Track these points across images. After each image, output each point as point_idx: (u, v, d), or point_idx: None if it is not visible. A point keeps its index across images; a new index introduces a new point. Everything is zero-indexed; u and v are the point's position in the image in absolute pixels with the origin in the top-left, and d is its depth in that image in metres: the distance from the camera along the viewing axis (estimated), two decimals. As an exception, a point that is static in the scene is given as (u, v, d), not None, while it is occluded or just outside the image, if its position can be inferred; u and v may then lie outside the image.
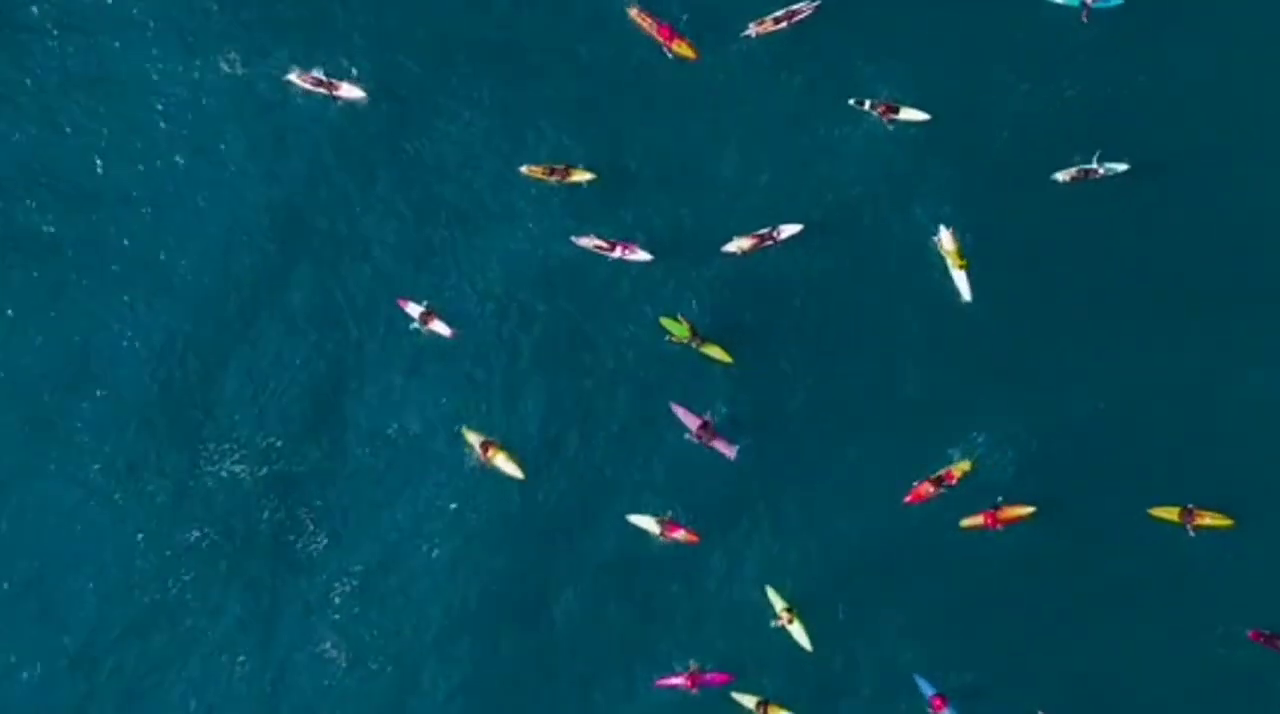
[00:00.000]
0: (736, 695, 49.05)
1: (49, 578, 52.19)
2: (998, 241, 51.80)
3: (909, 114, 52.02)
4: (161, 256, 53.13)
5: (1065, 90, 52.83)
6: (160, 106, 53.64)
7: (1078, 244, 52.10)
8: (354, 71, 52.57)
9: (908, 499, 49.21)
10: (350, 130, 53.03)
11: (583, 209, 52.14)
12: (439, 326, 50.86)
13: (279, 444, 52.83)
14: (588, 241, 50.70)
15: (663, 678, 49.25)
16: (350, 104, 52.23)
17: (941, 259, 51.21)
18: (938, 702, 48.61)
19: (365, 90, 52.10)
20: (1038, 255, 52.00)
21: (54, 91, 53.80)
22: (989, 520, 49.48)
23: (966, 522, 49.68)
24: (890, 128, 52.35)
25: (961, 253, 50.59)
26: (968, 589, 50.36)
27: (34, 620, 51.61)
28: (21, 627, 51.54)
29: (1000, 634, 50.08)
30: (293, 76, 52.29)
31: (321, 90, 51.79)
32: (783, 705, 48.61)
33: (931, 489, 49.00)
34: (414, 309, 51.08)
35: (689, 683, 48.63)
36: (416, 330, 51.53)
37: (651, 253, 51.01)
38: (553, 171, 51.05)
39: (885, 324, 51.81)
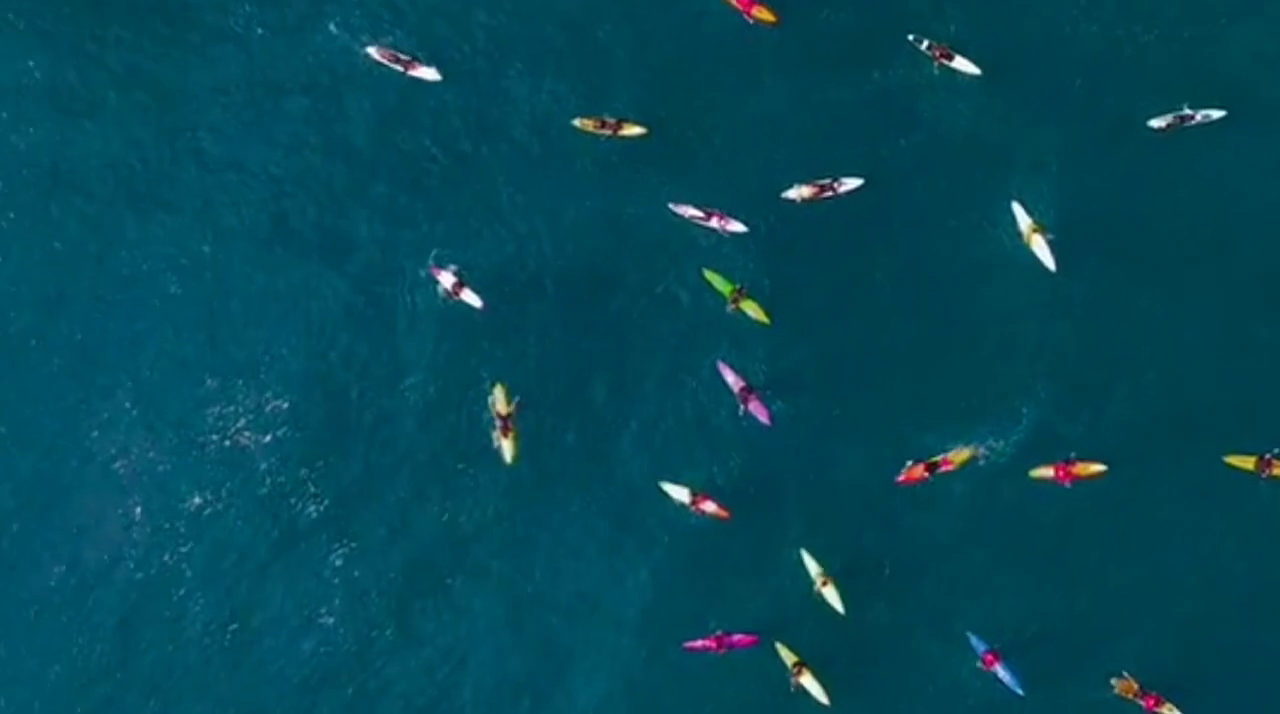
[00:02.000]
0: (779, 646, 46.34)
1: (45, 550, 49.35)
2: (1074, 193, 49.62)
3: (962, 64, 50.30)
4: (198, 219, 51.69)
5: (1140, 35, 50.95)
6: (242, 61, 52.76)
7: (1162, 194, 49.74)
8: (423, 53, 51.98)
9: (900, 479, 46.56)
10: (419, 101, 51.91)
11: (636, 161, 50.55)
12: (469, 296, 48.96)
13: (285, 406, 49.83)
14: (685, 210, 49.11)
15: (690, 640, 46.63)
16: (423, 81, 51.58)
17: (1015, 229, 48.99)
18: (989, 658, 45.53)
19: (440, 71, 51.45)
20: (1116, 206, 49.56)
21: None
22: (1060, 473, 46.77)
23: (1036, 473, 46.96)
24: (938, 72, 50.67)
25: (1039, 224, 48.49)
26: (1016, 549, 47.48)
27: (28, 593, 48.94)
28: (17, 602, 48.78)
29: (1059, 593, 47.11)
30: (371, 50, 51.68)
31: (398, 67, 51.28)
32: (816, 671, 45.96)
33: (925, 472, 46.52)
34: (446, 278, 49.25)
35: (716, 645, 46.33)
36: (445, 300, 49.49)
37: (727, 212, 49.30)
38: (604, 124, 49.86)
39: (938, 286, 49.34)
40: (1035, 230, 48.20)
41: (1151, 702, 45.16)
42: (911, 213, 49.45)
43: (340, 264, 50.39)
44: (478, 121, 51.07)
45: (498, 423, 47.77)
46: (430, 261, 49.75)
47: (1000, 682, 45.39)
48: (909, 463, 46.85)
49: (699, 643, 46.42)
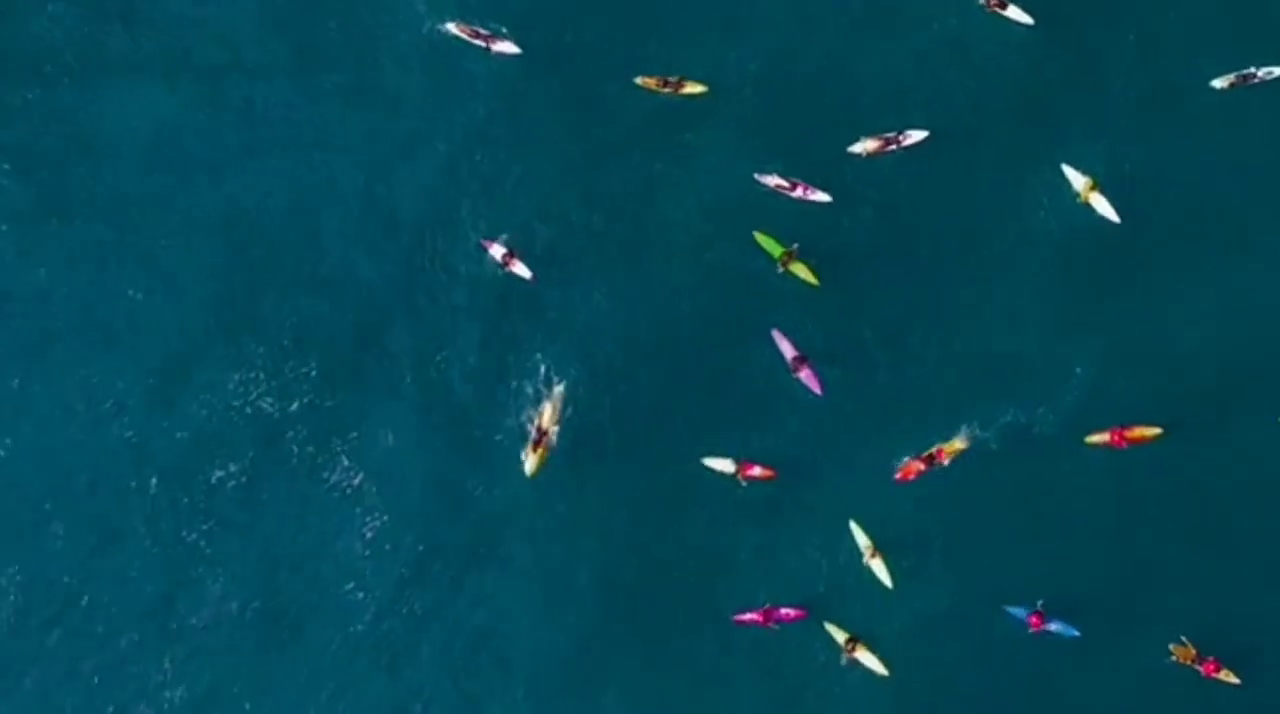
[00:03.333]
0: (828, 625, 45.32)
1: (53, 521, 47.72)
2: (1134, 154, 48.41)
3: (1015, 13, 49.12)
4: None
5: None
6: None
7: (1224, 153, 48.57)
8: (504, 30, 50.57)
9: (898, 476, 45.53)
10: (496, 74, 50.54)
11: (698, 120, 49.26)
12: (519, 268, 47.73)
13: (313, 374, 48.08)
14: (770, 180, 47.91)
15: (739, 613, 45.54)
16: (503, 56, 50.14)
17: (1070, 190, 47.75)
18: (1035, 620, 44.56)
19: (519, 45, 50.08)
20: (1178, 165, 48.39)
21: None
22: (1115, 438, 45.77)
23: (1092, 438, 45.89)
24: (987, 12, 49.40)
25: (1094, 181, 47.31)
26: (1071, 516, 46.31)
27: (38, 565, 47.33)
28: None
29: (1115, 559, 46.02)
30: (451, 26, 50.36)
31: (479, 42, 50.01)
32: (870, 644, 44.94)
33: (922, 466, 45.48)
34: (497, 250, 47.96)
35: (763, 619, 45.31)
36: (496, 272, 48.16)
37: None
38: (666, 83, 48.82)
39: (994, 247, 48.06)
40: (1091, 188, 47.14)
41: (1210, 667, 44.21)
42: (969, 169, 48.30)
43: (390, 232, 49.18)
44: (544, 92, 49.87)
45: (533, 434, 46.43)
46: (481, 234, 48.46)
47: (1054, 637, 44.56)
48: (905, 459, 45.84)
49: (747, 616, 45.36)
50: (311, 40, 50.70)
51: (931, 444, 46.00)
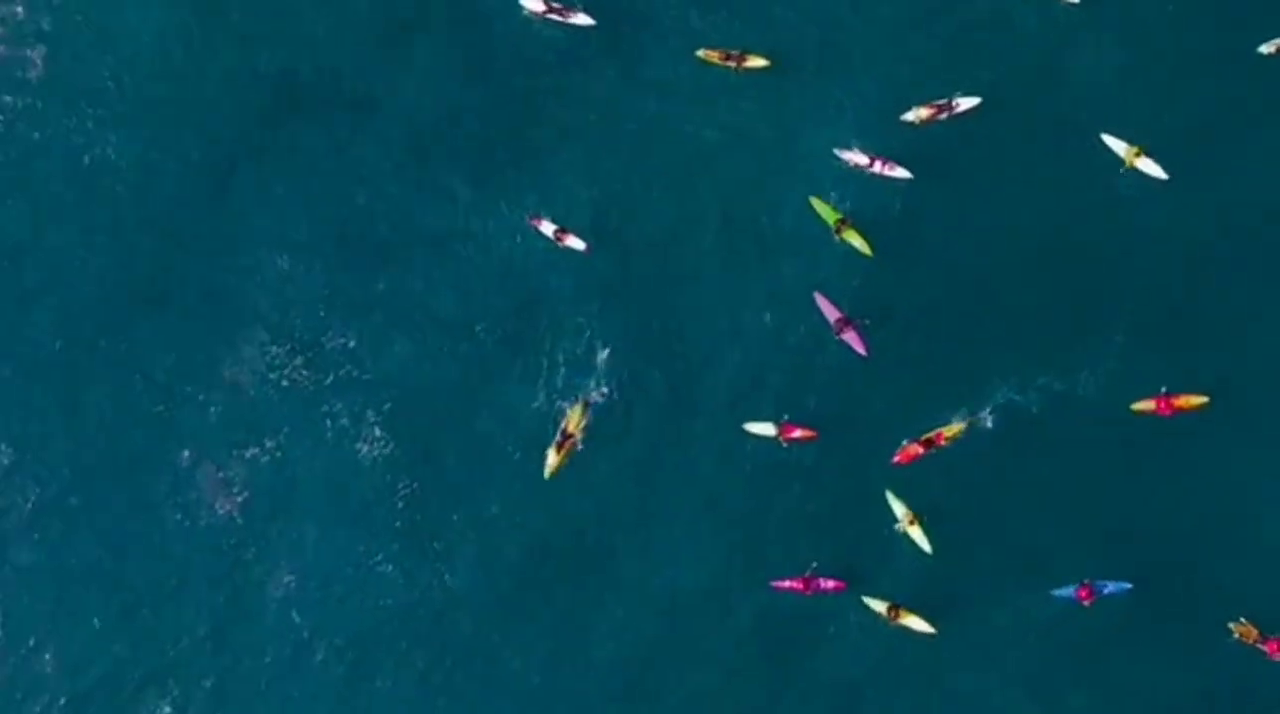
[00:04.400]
0: (867, 600, 44.55)
1: (86, 501, 47.45)
2: (1181, 118, 47.80)
3: None
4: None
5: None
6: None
7: (1272, 119, 47.76)
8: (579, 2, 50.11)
9: (896, 459, 44.94)
10: (568, 48, 50.14)
11: (757, 92, 48.86)
12: (573, 241, 47.43)
13: (351, 345, 47.58)
14: (850, 155, 47.50)
15: (779, 579, 44.82)
16: (577, 28, 49.82)
17: (1115, 158, 47.16)
18: (1084, 593, 43.59)
19: (593, 19, 49.81)
20: (1224, 130, 47.68)
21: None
22: (1161, 406, 45.02)
23: (1138, 406, 45.16)
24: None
25: (1138, 147, 46.67)
26: (1117, 484, 45.53)
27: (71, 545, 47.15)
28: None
29: (1166, 531, 45.23)
30: (525, 2, 50.14)
31: (555, 16, 49.79)
32: (912, 610, 44.14)
33: (920, 450, 44.83)
34: (547, 227, 47.57)
35: (803, 586, 44.55)
36: (547, 245, 47.72)
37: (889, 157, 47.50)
38: (728, 56, 48.65)
39: (1042, 216, 47.36)
40: (1137, 154, 46.60)
41: (1274, 647, 43.20)
42: (1019, 136, 47.82)
43: (436, 202, 48.76)
44: (611, 64, 49.45)
45: (558, 436, 45.88)
46: (530, 209, 48.13)
47: (1107, 599, 43.82)
48: (904, 442, 45.14)
49: (787, 583, 44.64)
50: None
51: (973, 409, 45.34)
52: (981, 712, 44.41)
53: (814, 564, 44.67)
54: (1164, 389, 44.81)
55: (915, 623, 43.90)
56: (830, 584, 44.43)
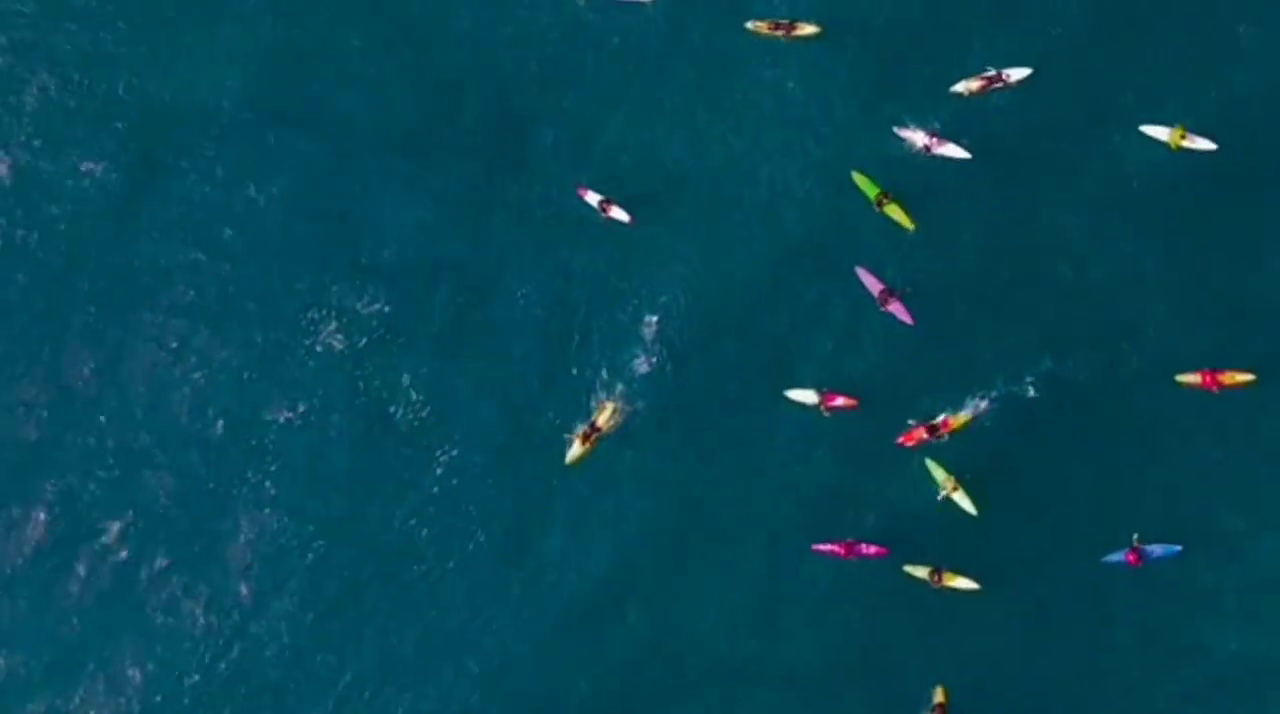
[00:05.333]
0: (908, 568, 44.10)
1: (114, 466, 47.10)
2: (1230, 97, 47.48)
3: None
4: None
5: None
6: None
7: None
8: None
9: (900, 440, 44.57)
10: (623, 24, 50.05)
11: (806, 62, 48.68)
12: (617, 213, 47.17)
13: (387, 310, 47.28)
14: (909, 133, 47.21)
15: (820, 543, 44.42)
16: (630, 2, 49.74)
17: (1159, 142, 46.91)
18: (1132, 557, 43.21)
19: None
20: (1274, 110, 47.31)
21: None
22: (1207, 380, 44.80)
23: (1183, 378, 44.86)
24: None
25: (1181, 129, 46.38)
26: (1160, 454, 45.11)
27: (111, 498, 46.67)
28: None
29: (1209, 503, 44.69)
30: None
31: None
32: (956, 571, 43.60)
33: (924, 435, 44.52)
34: (593, 198, 47.32)
35: (844, 551, 44.12)
36: (592, 217, 47.53)
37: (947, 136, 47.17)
38: (777, 26, 48.43)
39: (1094, 183, 47.03)
40: (1181, 135, 46.34)
41: None
42: (1069, 108, 47.52)
43: (492, 170, 48.55)
44: (660, 35, 49.34)
45: (584, 428, 45.54)
46: (576, 180, 47.87)
47: (1156, 562, 43.47)
48: (910, 423, 44.78)
49: (827, 546, 44.20)
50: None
51: (1015, 378, 45.12)
52: (1031, 674, 43.68)
53: (853, 528, 44.26)
54: (1216, 364, 44.50)
55: (960, 583, 43.39)
56: (871, 549, 43.98)
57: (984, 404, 44.98)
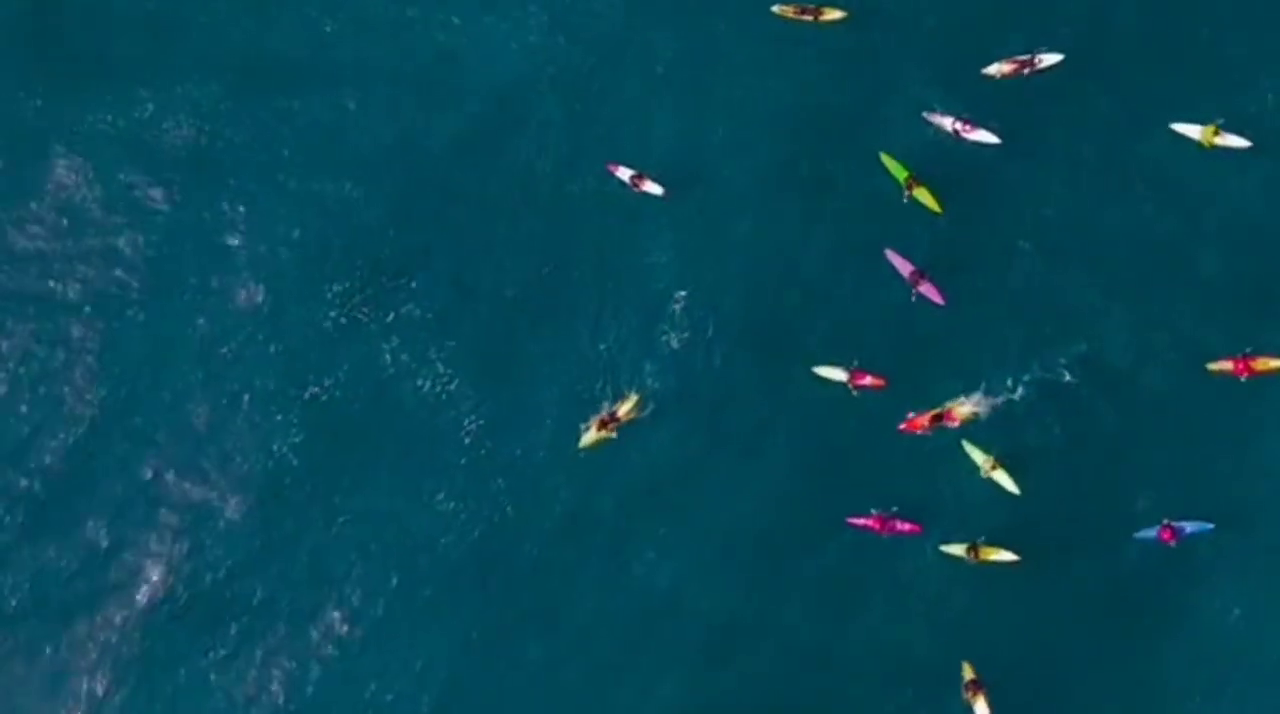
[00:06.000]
0: (944, 548, 44.00)
1: (138, 442, 46.87)
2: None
3: None
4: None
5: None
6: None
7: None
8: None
9: (902, 427, 44.61)
10: None
11: (836, 45, 48.53)
12: (651, 187, 46.99)
13: (413, 285, 47.09)
14: (938, 118, 47.08)
15: (855, 516, 44.31)
16: None
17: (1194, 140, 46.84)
18: (1166, 534, 43.15)
19: None
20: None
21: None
22: (1239, 367, 44.70)
23: (1214, 366, 44.82)
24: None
25: (1214, 126, 46.22)
26: (1191, 441, 45.07)
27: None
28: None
29: (1237, 488, 44.69)
30: None
31: None
32: (994, 545, 43.56)
33: (928, 422, 44.48)
34: (624, 172, 47.21)
35: (878, 525, 44.03)
36: (623, 192, 47.33)
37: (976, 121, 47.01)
38: (804, 10, 48.23)
39: (1124, 168, 46.84)
40: (1214, 133, 46.28)
41: None
42: (1102, 93, 47.34)
43: (522, 146, 48.40)
44: (687, 17, 49.36)
45: (603, 415, 45.38)
46: (607, 157, 47.70)
47: (1190, 539, 43.31)
48: (911, 414, 44.67)
49: (861, 520, 44.06)
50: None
51: (1049, 361, 45.15)
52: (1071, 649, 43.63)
53: (893, 507, 44.13)
54: (1248, 350, 44.49)
55: (998, 555, 43.28)
56: (906, 526, 43.85)
57: (1005, 392, 44.88)
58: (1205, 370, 44.85)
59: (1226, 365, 44.82)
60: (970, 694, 42.53)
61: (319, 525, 45.65)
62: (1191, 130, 46.47)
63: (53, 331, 47.27)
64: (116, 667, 44.89)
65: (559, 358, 46.47)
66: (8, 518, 45.90)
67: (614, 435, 45.18)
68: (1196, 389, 44.86)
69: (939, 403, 44.78)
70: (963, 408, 44.58)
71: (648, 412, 45.63)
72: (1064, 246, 46.32)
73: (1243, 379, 44.71)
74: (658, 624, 44.61)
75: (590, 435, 45.17)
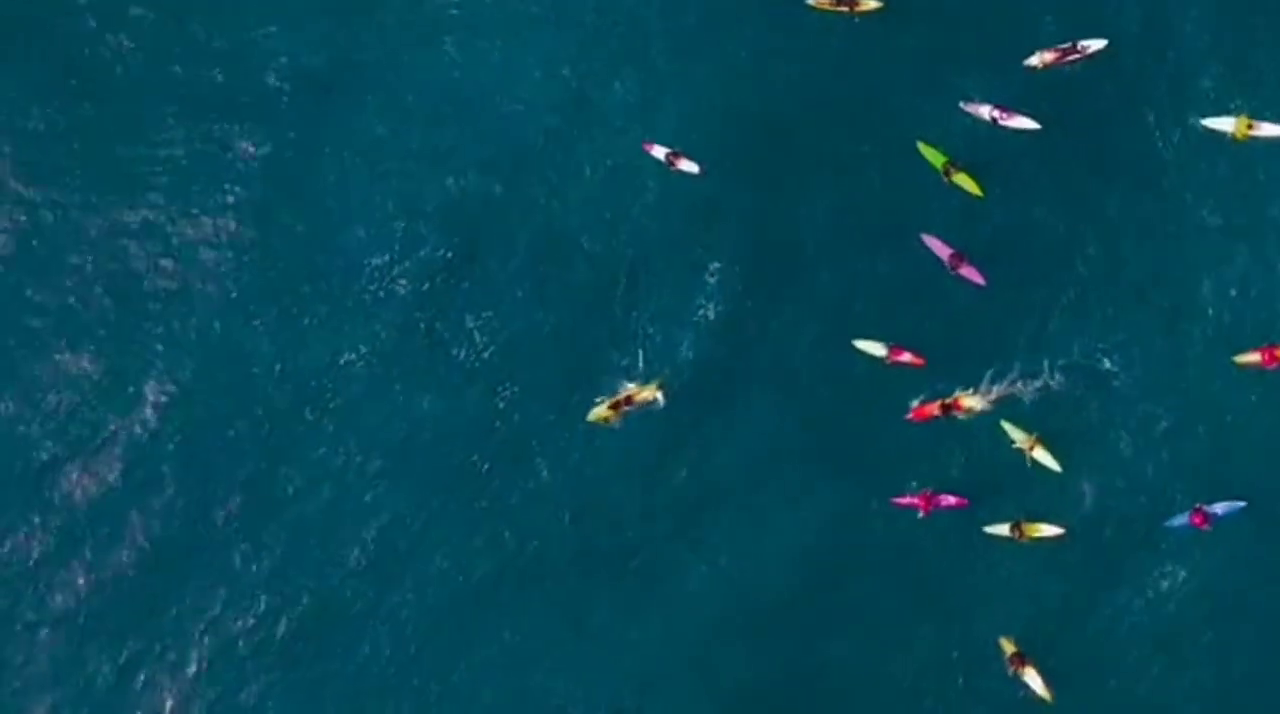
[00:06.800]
0: (988, 529, 44.15)
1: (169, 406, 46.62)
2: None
3: None
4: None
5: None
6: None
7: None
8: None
9: (910, 416, 44.83)
10: None
11: (870, 34, 48.53)
12: (686, 165, 47.05)
13: (449, 256, 47.05)
14: (975, 108, 47.14)
15: (898, 496, 44.48)
16: None
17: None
18: (1198, 519, 43.53)
19: None
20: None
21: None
22: (1266, 358, 44.92)
23: (1241, 358, 45.05)
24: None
25: (1247, 119, 46.46)
26: (1221, 432, 45.31)
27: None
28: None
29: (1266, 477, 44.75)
30: None
31: None
32: (1037, 520, 43.92)
33: (936, 411, 44.74)
34: (659, 151, 47.22)
35: (924, 504, 44.13)
36: (660, 169, 47.36)
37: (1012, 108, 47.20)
38: (840, 1, 48.09)
39: (1165, 157, 46.98)
40: (1247, 125, 46.49)
41: None
42: (1145, 80, 47.37)
43: (559, 125, 48.36)
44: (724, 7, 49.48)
45: (621, 395, 45.41)
46: (642, 136, 47.74)
47: (1222, 520, 43.63)
48: (915, 403, 44.96)
49: (906, 499, 44.19)
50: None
51: (1086, 348, 45.52)
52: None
53: (933, 485, 44.43)
54: (1276, 340, 44.78)
55: (1044, 530, 43.54)
56: (951, 500, 43.98)
57: (1043, 376, 45.17)
58: (1232, 363, 45.10)
59: (1254, 357, 45.00)
60: (1017, 667, 42.71)
61: (354, 487, 45.68)
62: (1224, 124, 46.51)
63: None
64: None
65: (593, 328, 46.52)
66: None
67: (619, 418, 45.23)
68: (1233, 378, 45.17)
69: (974, 384, 44.96)
70: (969, 399, 44.72)
71: (663, 399, 45.57)
72: (1099, 233, 46.56)
73: (1272, 370, 44.87)
74: (694, 601, 44.64)
75: (599, 412, 45.20)
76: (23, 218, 47.64)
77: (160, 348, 46.58)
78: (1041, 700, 42.69)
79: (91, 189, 47.73)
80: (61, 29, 48.93)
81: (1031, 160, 46.78)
